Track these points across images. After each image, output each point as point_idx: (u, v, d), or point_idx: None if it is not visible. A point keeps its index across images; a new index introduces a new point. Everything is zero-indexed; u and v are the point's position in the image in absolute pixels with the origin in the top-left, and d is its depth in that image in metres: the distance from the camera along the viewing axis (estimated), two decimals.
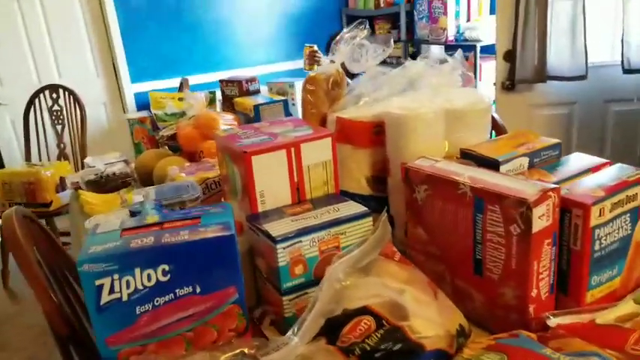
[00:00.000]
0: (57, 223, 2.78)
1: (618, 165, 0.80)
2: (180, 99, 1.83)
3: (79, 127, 2.73)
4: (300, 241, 0.77)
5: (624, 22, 2.27)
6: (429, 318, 0.68)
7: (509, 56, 2.35)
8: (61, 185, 2.53)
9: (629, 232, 0.75)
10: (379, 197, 1.08)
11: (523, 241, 0.67)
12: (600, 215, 0.70)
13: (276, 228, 0.79)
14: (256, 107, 1.71)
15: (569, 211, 0.70)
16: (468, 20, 3.50)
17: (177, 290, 0.67)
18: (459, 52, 1.11)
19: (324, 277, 0.74)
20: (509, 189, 0.69)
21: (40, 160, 2.77)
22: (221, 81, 2.03)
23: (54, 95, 2.85)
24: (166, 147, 1.72)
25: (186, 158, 1.58)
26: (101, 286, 0.65)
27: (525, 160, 0.84)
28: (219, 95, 2.01)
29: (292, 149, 0.87)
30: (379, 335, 0.65)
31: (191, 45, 3.76)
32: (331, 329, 0.67)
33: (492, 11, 3.36)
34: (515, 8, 2.35)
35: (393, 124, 0.98)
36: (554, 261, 0.72)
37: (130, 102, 3.61)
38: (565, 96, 2.45)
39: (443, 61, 1.10)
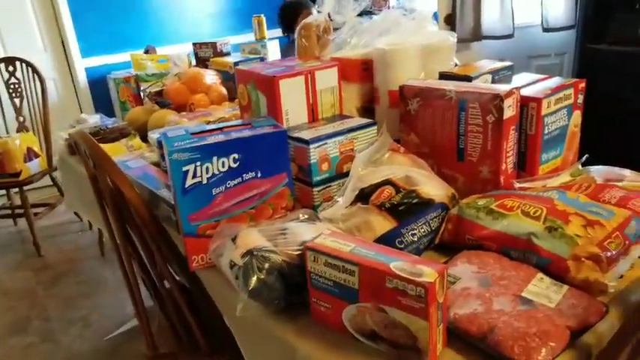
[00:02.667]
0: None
1: (557, 77, 1.07)
2: (161, 60, 1.96)
3: (41, 99, 2.75)
4: (326, 143, 0.98)
5: None
6: (433, 185, 0.92)
7: (450, 19, 2.65)
8: (28, 155, 2.57)
9: (566, 122, 1.02)
10: None
11: (497, 127, 0.92)
12: (548, 107, 0.96)
13: (305, 134, 0.99)
14: (236, 63, 1.88)
15: (527, 105, 0.96)
16: None
17: (244, 175, 0.87)
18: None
19: (352, 166, 0.96)
20: (485, 89, 0.93)
21: None
22: (194, 44, 2.19)
23: (10, 68, 2.84)
24: (154, 103, 1.85)
25: (175, 111, 1.73)
26: (187, 172, 0.83)
27: (489, 77, 1.09)
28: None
29: (309, 75, 1.07)
30: (400, 196, 0.88)
31: (142, 20, 3.79)
32: (363, 197, 0.89)
33: None
34: None
35: (381, 57, 1.20)
36: (516, 145, 0.97)
37: (82, 77, 3.59)
38: (494, 53, 2.79)
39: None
